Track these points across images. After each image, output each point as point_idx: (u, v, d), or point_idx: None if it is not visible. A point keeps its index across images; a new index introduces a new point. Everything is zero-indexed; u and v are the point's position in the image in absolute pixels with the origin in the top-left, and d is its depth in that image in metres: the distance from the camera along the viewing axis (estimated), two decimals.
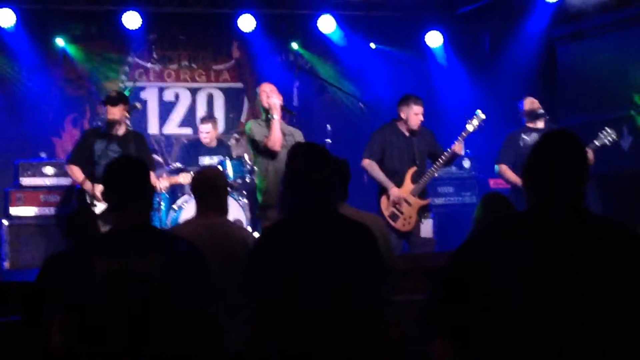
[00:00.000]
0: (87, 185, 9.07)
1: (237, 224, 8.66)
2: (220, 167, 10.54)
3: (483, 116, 9.42)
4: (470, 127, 9.43)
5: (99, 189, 8.70)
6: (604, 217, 3.42)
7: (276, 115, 8.89)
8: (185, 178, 9.95)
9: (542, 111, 9.53)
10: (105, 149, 9.06)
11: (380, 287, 4.52)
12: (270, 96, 9.04)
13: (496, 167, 9.75)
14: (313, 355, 4.31)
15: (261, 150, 9.00)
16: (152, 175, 8.35)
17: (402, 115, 9.47)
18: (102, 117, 10.16)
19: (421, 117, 9.45)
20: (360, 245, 4.50)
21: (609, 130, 9.11)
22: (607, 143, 9.08)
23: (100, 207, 8.74)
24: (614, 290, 3.14)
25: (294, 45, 13.27)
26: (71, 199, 9.78)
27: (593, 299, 3.14)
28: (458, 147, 9.35)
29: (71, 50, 12.57)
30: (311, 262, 4.35)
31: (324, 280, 4.34)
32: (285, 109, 9.25)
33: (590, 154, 8.84)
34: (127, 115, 9.35)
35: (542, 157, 3.41)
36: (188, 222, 6.33)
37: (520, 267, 3.21)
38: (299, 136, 9.27)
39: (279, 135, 8.90)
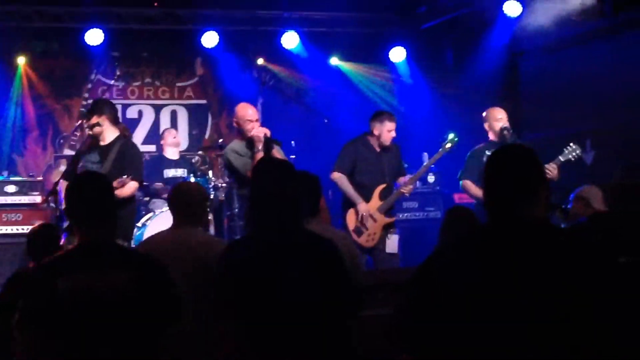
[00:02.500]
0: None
1: (215, 237, 8.62)
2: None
3: (456, 140, 9.47)
4: (442, 150, 9.50)
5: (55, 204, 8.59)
6: (560, 228, 3.45)
7: (261, 148, 8.59)
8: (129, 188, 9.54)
9: (506, 125, 9.53)
10: (86, 161, 8.90)
11: (345, 303, 4.50)
12: (255, 127, 8.71)
13: (460, 182, 9.77)
14: None
15: (245, 182, 8.67)
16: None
17: (375, 131, 9.47)
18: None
19: (393, 134, 9.47)
20: (325, 260, 4.48)
21: (573, 146, 9.13)
22: (572, 158, 9.10)
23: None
24: (568, 300, 3.16)
25: (260, 61, 13.24)
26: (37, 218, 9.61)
27: (548, 310, 3.15)
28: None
29: (33, 68, 12.48)
30: (275, 278, 4.33)
31: (288, 296, 4.31)
32: (273, 141, 8.92)
33: (555, 169, 8.89)
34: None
35: (493, 173, 3.47)
36: (162, 233, 6.28)
37: (478, 280, 3.25)
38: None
39: None
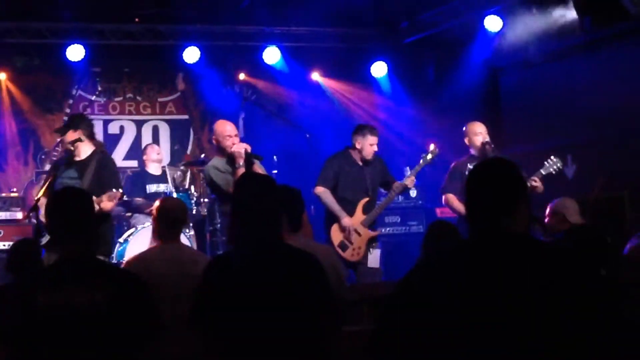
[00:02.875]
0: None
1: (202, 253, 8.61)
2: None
3: (437, 151, 9.50)
4: (423, 162, 9.53)
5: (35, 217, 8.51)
6: (541, 241, 3.46)
7: (242, 163, 8.56)
8: (111, 197, 9.47)
9: (487, 139, 9.55)
10: (64, 176, 8.83)
11: (325, 317, 4.50)
12: (236, 142, 8.68)
13: (443, 196, 9.77)
14: None
15: (227, 198, 8.62)
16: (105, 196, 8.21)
17: (357, 145, 9.48)
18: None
19: (375, 148, 9.48)
20: (306, 275, 4.47)
21: (554, 159, 9.16)
22: (553, 172, 9.13)
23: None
24: (552, 313, 3.16)
25: (241, 76, 13.24)
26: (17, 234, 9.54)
27: (531, 323, 3.15)
28: (410, 180, 9.45)
29: (15, 83, 12.45)
30: (255, 292, 4.32)
31: (268, 310, 4.31)
32: (254, 156, 8.88)
33: (538, 182, 8.93)
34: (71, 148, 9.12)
35: (475, 187, 3.49)
36: (151, 250, 6.27)
37: (460, 294, 3.25)
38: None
39: None
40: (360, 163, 9.51)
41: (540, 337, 3.14)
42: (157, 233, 6.23)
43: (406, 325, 3.33)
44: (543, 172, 9.12)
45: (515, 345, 3.14)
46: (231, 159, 8.53)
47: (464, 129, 9.62)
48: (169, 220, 6.15)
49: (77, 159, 8.79)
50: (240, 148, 8.50)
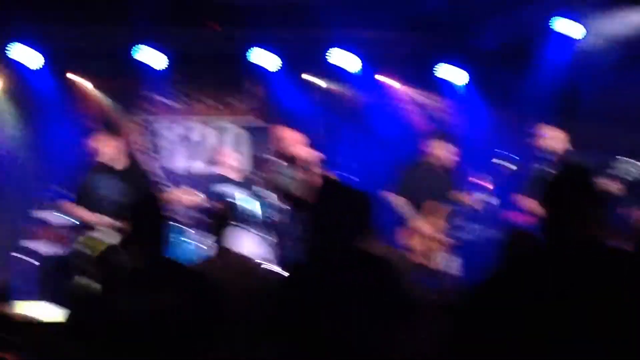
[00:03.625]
0: (94, 218, 9.03)
1: (262, 262, 8.67)
2: (248, 205, 10.59)
3: (503, 158, 9.49)
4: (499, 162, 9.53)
5: (106, 222, 8.68)
6: (619, 249, 3.45)
7: (304, 167, 8.64)
8: (188, 198, 9.69)
9: (567, 146, 9.48)
10: (106, 185, 9.01)
11: (404, 322, 4.52)
12: (299, 147, 8.77)
13: (521, 202, 9.72)
14: None
15: (291, 201, 8.75)
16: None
17: (433, 152, 9.49)
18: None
19: (452, 156, 9.48)
20: (383, 281, 4.50)
21: (626, 160, 9.07)
22: (629, 177, 9.03)
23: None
24: (629, 319, 3.15)
25: (317, 82, 13.25)
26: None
27: (609, 331, 3.15)
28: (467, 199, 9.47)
29: (94, 87, 12.63)
30: (334, 299, 4.36)
31: (346, 317, 4.34)
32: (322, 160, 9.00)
33: (612, 184, 8.82)
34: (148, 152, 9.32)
35: (553, 195, 3.47)
36: (212, 261, 6.36)
37: (536, 302, 3.24)
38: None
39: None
40: (435, 170, 9.52)
41: (622, 345, 3.14)
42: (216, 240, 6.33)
43: (483, 333, 3.35)
44: (615, 173, 9.02)
45: (596, 355, 3.15)
46: (293, 163, 8.64)
47: (544, 134, 9.57)
48: (218, 228, 6.22)
49: (118, 168, 8.99)
50: (303, 151, 8.60)
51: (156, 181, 9.29)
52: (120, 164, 9.17)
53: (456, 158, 9.50)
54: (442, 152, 9.46)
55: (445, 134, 9.62)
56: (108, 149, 9.17)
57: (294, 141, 8.74)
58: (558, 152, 9.43)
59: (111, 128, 9.67)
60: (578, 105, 12.36)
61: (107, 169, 9.18)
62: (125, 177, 9.04)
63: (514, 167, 9.56)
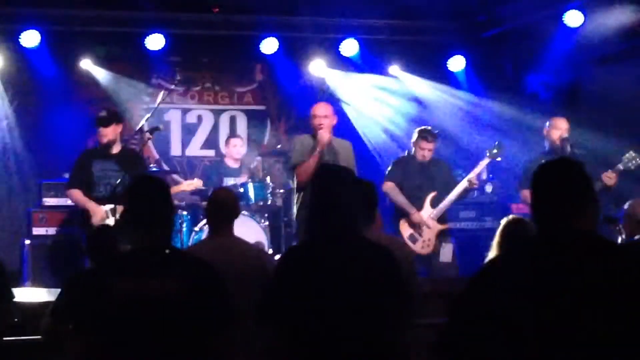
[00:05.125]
0: (92, 206, 9.03)
1: (258, 247, 8.66)
2: (241, 189, 10.58)
3: (502, 146, 9.46)
4: (489, 157, 9.51)
5: (103, 210, 8.68)
6: (610, 242, 3.44)
7: (319, 150, 8.65)
8: (189, 185, 9.73)
9: (566, 136, 9.46)
10: (104, 169, 9.01)
11: (402, 311, 4.51)
12: (322, 123, 8.78)
13: (520, 192, 9.71)
14: None
15: (291, 172, 8.77)
16: None
17: (413, 148, 9.56)
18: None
19: (426, 153, 9.50)
20: (381, 267, 4.49)
21: (633, 154, 9.05)
22: (632, 167, 9.03)
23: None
24: (621, 314, 3.14)
25: (319, 68, 13.20)
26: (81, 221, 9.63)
27: (602, 324, 3.13)
28: (473, 178, 9.45)
29: (95, 71, 12.58)
30: (332, 286, 4.36)
31: (345, 304, 4.34)
32: (333, 150, 9.01)
33: (614, 177, 8.82)
34: (149, 137, 9.32)
35: (542, 188, 3.46)
36: (202, 242, 6.35)
37: (529, 295, 3.24)
38: (345, 152, 9.18)
39: (311, 171, 8.42)
40: (426, 162, 9.56)
41: (611, 337, 3.12)
42: (209, 226, 6.32)
43: (475, 325, 3.33)
44: (621, 167, 9.02)
45: (587, 346, 3.13)
46: (315, 135, 8.68)
47: (547, 123, 9.55)
48: (217, 213, 6.21)
49: (113, 152, 9.00)
50: (324, 136, 8.58)
51: (156, 166, 9.28)
52: (117, 148, 9.17)
53: (427, 154, 9.49)
54: (417, 148, 9.50)
55: (423, 132, 9.58)
56: (108, 133, 9.15)
57: (321, 118, 8.75)
58: (557, 141, 9.40)
59: (112, 112, 9.65)
60: (579, 95, 12.34)
61: (104, 153, 9.17)
62: (122, 161, 9.03)
63: (499, 155, 9.53)
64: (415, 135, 9.61)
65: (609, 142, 10.57)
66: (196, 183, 9.66)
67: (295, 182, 9.05)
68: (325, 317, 4.32)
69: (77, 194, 9.25)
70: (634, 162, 9.05)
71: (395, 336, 4.46)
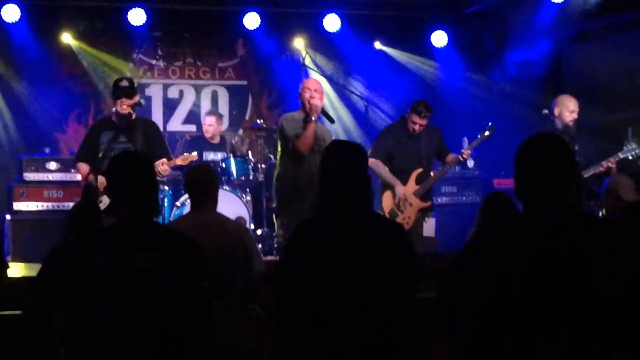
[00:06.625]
0: (92, 179, 8.81)
1: (238, 221, 8.65)
2: (223, 164, 10.57)
3: (494, 129, 9.45)
4: (480, 138, 9.50)
5: (101, 182, 8.51)
6: (593, 216, 3.46)
7: (314, 118, 8.61)
8: (184, 159, 9.71)
9: (577, 117, 9.43)
10: (112, 141, 8.83)
11: (412, 286, 4.52)
12: (314, 96, 8.71)
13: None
14: (343, 354, 4.34)
15: (289, 148, 8.70)
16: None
17: (407, 117, 9.50)
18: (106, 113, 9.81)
19: (417, 127, 9.46)
20: (394, 243, 4.53)
21: (633, 145, 9.04)
22: (630, 157, 9.00)
23: (105, 201, 8.57)
24: (607, 284, 3.16)
25: (301, 43, 13.18)
26: (77, 195, 9.54)
27: (588, 298, 3.15)
28: (466, 154, 9.43)
29: (76, 46, 12.53)
30: (345, 261, 4.39)
31: (358, 278, 4.37)
32: (326, 115, 8.99)
33: (613, 164, 8.81)
34: (139, 104, 9.18)
35: (526, 164, 3.47)
36: (184, 218, 6.35)
37: (515, 271, 3.26)
38: (329, 139, 9.07)
39: (311, 139, 8.53)
40: (416, 134, 9.50)
41: (597, 309, 3.14)
42: (191, 202, 6.31)
43: (462, 306, 3.36)
44: (621, 155, 9.01)
45: (575, 319, 3.15)
46: (306, 111, 8.60)
47: (555, 100, 9.50)
48: (195, 189, 6.20)
49: (126, 123, 8.85)
50: (318, 103, 8.55)
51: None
52: (128, 121, 8.92)
53: (417, 128, 9.45)
54: (408, 121, 9.46)
55: (418, 105, 9.53)
56: (131, 104, 8.95)
57: (313, 92, 8.69)
58: (569, 122, 9.36)
59: (132, 81, 9.43)
60: (561, 71, 12.37)
61: (111, 125, 8.98)
62: (130, 134, 8.87)
63: (490, 137, 9.53)
64: (412, 108, 9.53)
65: (589, 119, 10.61)
66: (192, 157, 9.61)
67: (278, 157, 9.00)
68: (336, 292, 4.35)
69: (82, 167, 8.94)
70: (634, 152, 9.03)
71: (406, 310, 4.47)
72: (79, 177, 10.43)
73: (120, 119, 8.87)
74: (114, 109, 9.02)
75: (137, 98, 8.97)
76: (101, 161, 8.69)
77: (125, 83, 9.04)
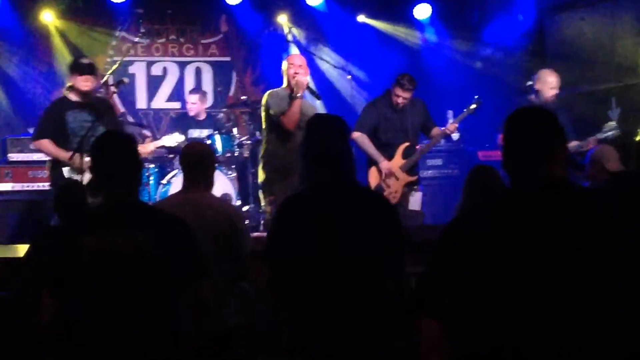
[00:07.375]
0: (64, 156, 8.72)
1: (224, 198, 8.63)
2: (209, 141, 10.54)
3: (481, 102, 9.46)
4: (467, 111, 9.51)
5: (80, 160, 8.46)
6: (581, 186, 3.48)
7: (300, 94, 8.59)
8: (169, 140, 9.66)
9: (557, 92, 9.45)
10: (78, 119, 8.79)
11: (401, 257, 4.54)
12: (299, 72, 8.68)
13: (499, 136, 9.69)
14: (334, 328, 4.36)
15: (274, 124, 8.68)
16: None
17: (392, 91, 9.49)
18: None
19: (401, 100, 9.45)
20: (381, 214, 4.56)
21: (612, 124, 9.07)
22: (609, 137, 9.02)
23: (84, 178, 8.52)
24: (595, 259, 3.17)
25: (284, 18, 13.16)
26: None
27: (577, 270, 3.18)
28: (451, 128, 9.44)
29: (58, 25, 12.47)
30: (333, 232, 4.41)
31: (346, 249, 4.39)
32: (312, 92, 8.99)
33: (590, 145, 8.82)
34: (122, 82, 9.18)
35: (513, 135, 3.49)
36: (172, 196, 6.33)
37: (504, 244, 3.27)
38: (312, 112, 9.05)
39: (296, 116, 8.53)
40: (400, 107, 9.50)
41: (588, 281, 3.16)
42: (184, 179, 6.27)
43: (450, 280, 3.38)
44: (600, 136, 9.03)
45: (565, 292, 3.17)
46: (291, 87, 8.60)
47: (536, 75, 9.51)
48: (188, 166, 6.16)
49: (85, 101, 8.81)
50: (303, 79, 8.54)
51: (123, 119, 9.15)
52: (89, 98, 8.89)
53: (401, 101, 9.43)
54: (392, 94, 9.44)
55: (403, 78, 9.50)
56: (93, 81, 8.90)
57: (298, 67, 8.66)
58: (550, 97, 9.37)
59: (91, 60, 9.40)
60: (545, 41, 12.37)
61: (80, 103, 8.93)
62: (94, 112, 8.82)
63: (476, 110, 9.53)
64: (396, 81, 9.52)
65: (573, 88, 10.63)
66: (177, 137, 9.59)
67: (264, 133, 8.98)
68: (325, 262, 4.37)
69: (47, 143, 8.89)
70: (612, 132, 9.05)
71: (396, 281, 4.49)
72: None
73: (83, 96, 8.82)
74: (69, 86, 8.95)
75: (94, 77, 8.94)
76: (71, 140, 8.66)
77: (87, 60, 9.06)
